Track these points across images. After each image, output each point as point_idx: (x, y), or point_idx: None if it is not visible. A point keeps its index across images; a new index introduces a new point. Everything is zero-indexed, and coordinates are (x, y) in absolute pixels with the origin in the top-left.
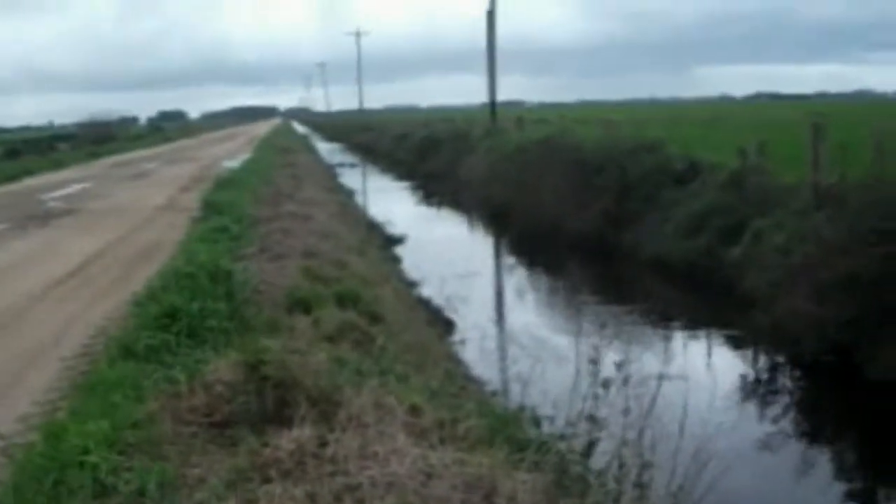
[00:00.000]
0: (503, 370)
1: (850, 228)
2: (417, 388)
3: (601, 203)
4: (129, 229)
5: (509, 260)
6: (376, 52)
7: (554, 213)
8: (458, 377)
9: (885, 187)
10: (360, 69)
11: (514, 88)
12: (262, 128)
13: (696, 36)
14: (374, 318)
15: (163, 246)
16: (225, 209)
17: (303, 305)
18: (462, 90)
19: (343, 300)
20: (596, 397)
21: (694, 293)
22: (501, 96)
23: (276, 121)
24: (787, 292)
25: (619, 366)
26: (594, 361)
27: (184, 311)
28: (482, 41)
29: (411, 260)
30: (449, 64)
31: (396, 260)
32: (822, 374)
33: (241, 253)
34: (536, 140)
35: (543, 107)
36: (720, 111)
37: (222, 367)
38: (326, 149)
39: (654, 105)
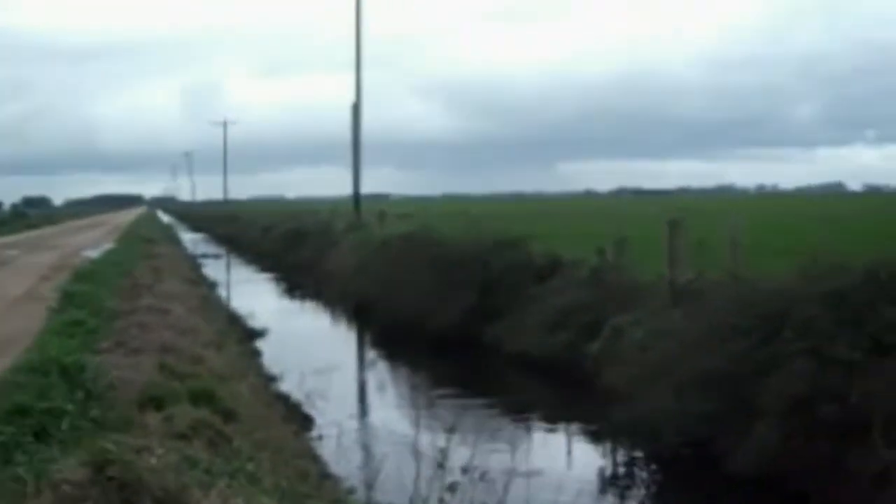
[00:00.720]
0: (360, 467)
1: (706, 325)
2: (268, 489)
3: (464, 298)
4: None
5: (371, 354)
6: (243, 142)
7: (417, 307)
8: (313, 475)
9: (740, 284)
10: (225, 159)
11: (382, 181)
12: (127, 216)
13: (560, 132)
14: (229, 415)
15: (17, 339)
16: (83, 301)
17: (156, 402)
18: (329, 182)
19: (197, 397)
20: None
21: (555, 388)
22: (368, 188)
23: (141, 209)
24: (646, 387)
25: (467, 468)
26: (441, 465)
27: (33, 409)
28: (349, 134)
29: (272, 354)
30: (316, 155)
31: (257, 354)
32: (680, 468)
33: (96, 347)
34: (398, 235)
35: (409, 200)
36: (584, 206)
37: (69, 467)
38: (191, 239)
39: (519, 200)
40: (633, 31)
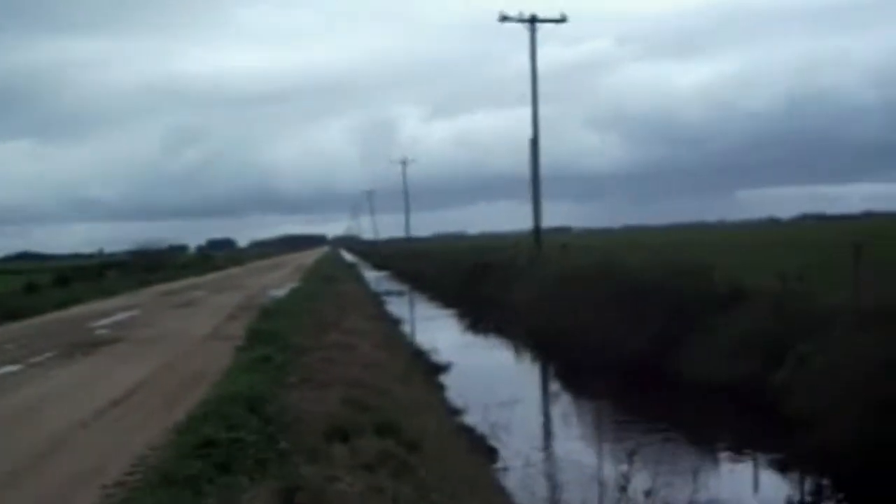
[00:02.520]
0: (544, 498)
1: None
2: None
3: (646, 328)
4: (174, 358)
5: (555, 386)
6: (422, 180)
7: (599, 339)
8: None
9: None
10: (406, 197)
11: (561, 214)
12: (310, 256)
13: (737, 159)
14: (413, 447)
15: (206, 375)
16: (270, 338)
17: (342, 434)
18: (509, 216)
19: (382, 429)
20: None
21: (738, 416)
22: (548, 222)
23: (324, 248)
24: (833, 415)
25: (650, 492)
26: (624, 489)
27: (221, 441)
28: (527, 168)
29: (456, 387)
30: (495, 191)
31: (440, 388)
32: (871, 497)
33: (284, 382)
34: (581, 266)
35: (590, 232)
36: (765, 233)
37: (260, 495)
38: (374, 276)
39: (699, 229)
40: (802, 55)
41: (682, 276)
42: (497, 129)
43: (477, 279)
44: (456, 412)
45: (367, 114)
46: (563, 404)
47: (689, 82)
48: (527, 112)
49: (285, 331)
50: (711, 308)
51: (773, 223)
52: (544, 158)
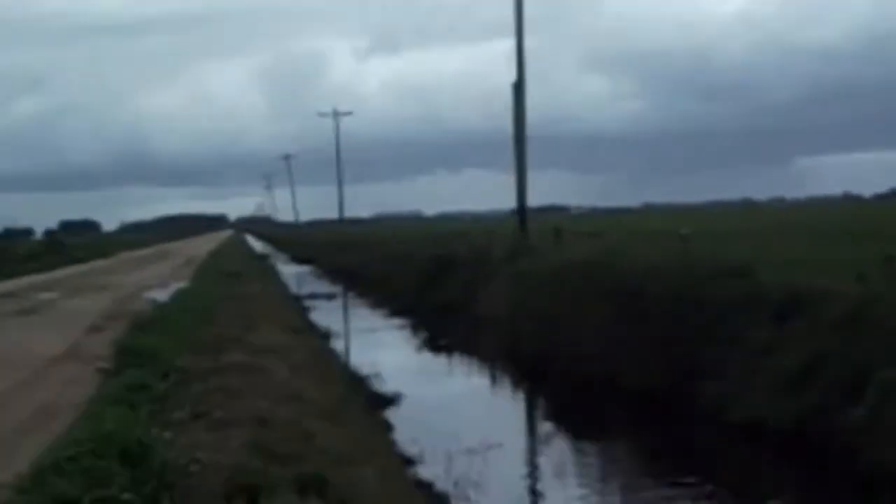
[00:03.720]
0: None
1: None
2: None
3: (670, 348)
4: (10, 388)
5: (545, 426)
6: (361, 141)
7: (606, 361)
8: None
9: None
10: (339, 164)
11: (555, 189)
12: (205, 244)
13: (801, 116)
14: None
15: (57, 411)
16: (147, 359)
17: (249, 492)
18: (481, 192)
19: (305, 485)
20: None
21: (800, 470)
22: (536, 199)
23: (226, 234)
24: None
25: None
26: None
27: (81, 503)
28: (507, 125)
29: (408, 428)
30: (461, 157)
31: (387, 428)
32: None
33: (167, 420)
34: (583, 262)
35: (595, 213)
36: (839, 215)
37: None
38: (294, 273)
39: (746, 209)
40: None
41: (719, 277)
42: (463, 71)
43: (436, 278)
44: (408, 462)
45: (280, 49)
46: (557, 451)
47: (732, 7)
48: (505, 46)
49: (169, 349)
50: (760, 320)
51: (851, 201)
52: (532, 112)
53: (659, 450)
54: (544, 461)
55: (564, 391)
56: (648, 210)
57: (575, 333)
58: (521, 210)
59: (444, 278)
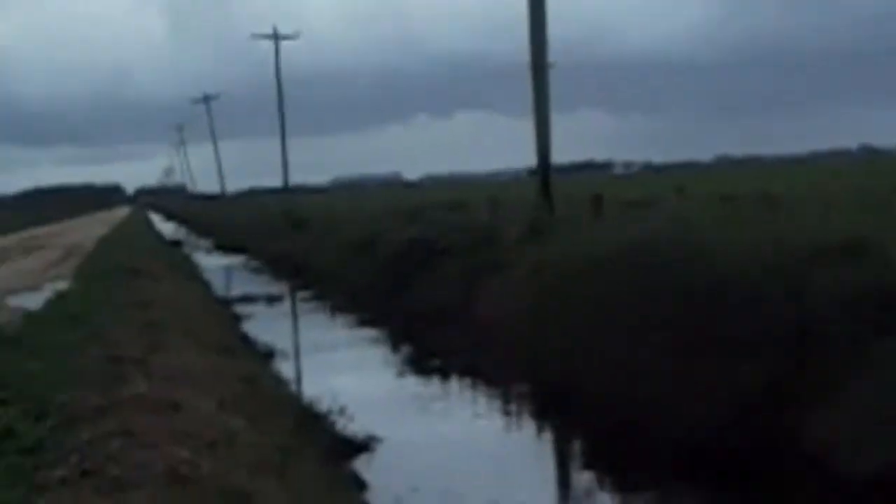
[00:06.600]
0: None
1: None
2: None
3: (749, 369)
4: None
5: (579, 479)
6: (312, 77)
7: (659, 387)
8: None
9: None
10: (282, 107)
11: (591, 138)
12: (93, 228)
13: None
14: None
15: None
16: (12, 393)
17: None
18: (481, 144)
19: None
20: None
21: None
22: (566, 154)
23: (122, 212)
24: None
25: None
26: None
27: None
28: (519, 49)
29: (388, 485)
30: (453, 95)
31: (356, 484)
32: None
33: (42, 480)
34: (631, 247)
35: (648, 171)
36: None
37: None
38: (220, 267)
39: (866, 159)
40: None
41: (821, 264)
42: None
43: (422, 271)
44: None
45: None
46: None
47: None
48: None
49: (44, 378)
50: (885, 321)
51: None
52: (556, 29)
53: None
54: None
55: (608, 428)
56: (723, 166)
57: (622, 348)
58: (544, 170)
59: (432, 271)
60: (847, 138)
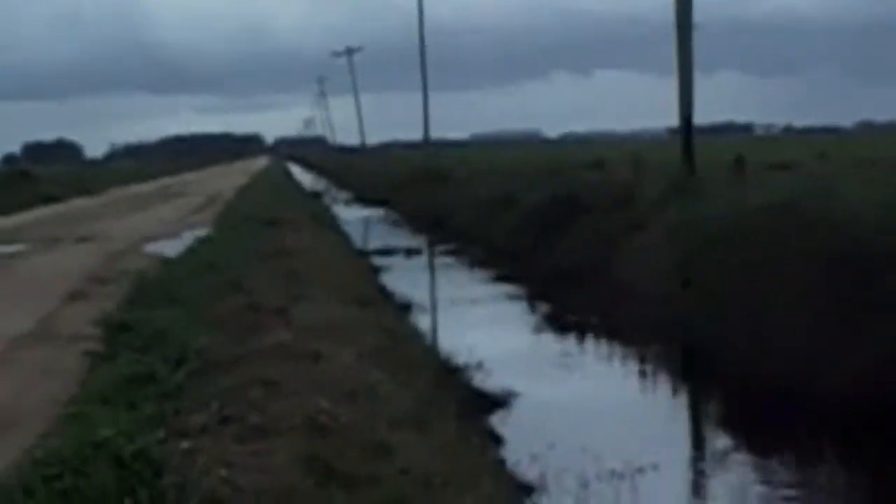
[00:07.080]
0: None
1: None
2: None
3: None
4: None
5: (719, 440)
6: (453, 34)
7: (808, 351)
8: None
9: None
10: (424, 62)
11: (732, 100)
12: (233, 177)
13: None
14: None
15: (25, 415)
16: (152, 340)
17: None
18: (622, 103)
19: None
20: None
21: None
22: (707, 116)
23: (261, 162)
24: None
25: None
26: None
27: None
28: (662, 8)
29: (524, 441)
30: (594, 53)
31: (493, 439)
32: None
33: (183, 425)
34: (775, 207)
35: (789, 133)
36: None
37: None
38: (359, 219)
39: None
40: None
41: None
42: None
43: (560, 229)
44: (524, 489)
45: None
46: (738, 477)
47: None
48: None
49: (182, 326)
50: None
51: None
52: None
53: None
54: (716, 488)
55: (749, 392)
56: (865, 131)
57: (766, 309)
58: (686, 130)
59: (572, 228)
60: None
